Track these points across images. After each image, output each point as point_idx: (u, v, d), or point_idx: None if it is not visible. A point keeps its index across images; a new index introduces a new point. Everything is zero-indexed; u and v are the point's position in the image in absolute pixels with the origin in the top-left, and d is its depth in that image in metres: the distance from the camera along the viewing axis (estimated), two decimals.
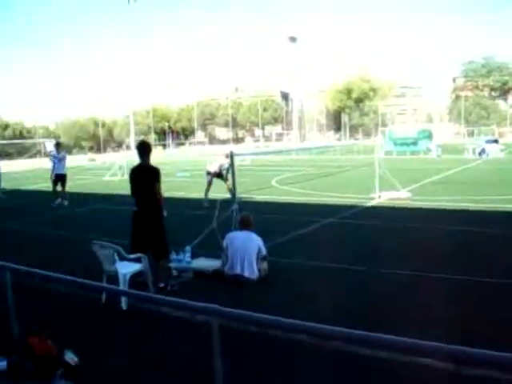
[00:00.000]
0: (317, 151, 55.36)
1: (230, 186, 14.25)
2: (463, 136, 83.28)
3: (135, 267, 7.98)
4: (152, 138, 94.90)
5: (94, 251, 8.08)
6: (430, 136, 52.12)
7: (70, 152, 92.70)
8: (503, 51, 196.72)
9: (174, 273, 9.15)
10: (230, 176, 15.17)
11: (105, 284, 7.46)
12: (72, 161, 54.92)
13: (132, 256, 8.06)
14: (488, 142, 48.64)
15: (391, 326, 6.25)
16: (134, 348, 6.38)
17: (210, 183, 17.98)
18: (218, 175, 17.93)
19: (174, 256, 9.44)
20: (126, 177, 9.52)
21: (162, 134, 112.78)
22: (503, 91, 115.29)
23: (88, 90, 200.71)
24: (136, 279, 7.97)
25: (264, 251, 8.89)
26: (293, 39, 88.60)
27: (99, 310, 7.66)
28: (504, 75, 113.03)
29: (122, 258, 7.90)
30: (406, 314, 7.08)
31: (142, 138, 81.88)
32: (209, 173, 18.12)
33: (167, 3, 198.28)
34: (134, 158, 9.49)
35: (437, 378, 5.06)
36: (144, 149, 8.79)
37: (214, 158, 19.40)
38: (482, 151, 44.52)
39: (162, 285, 8.41)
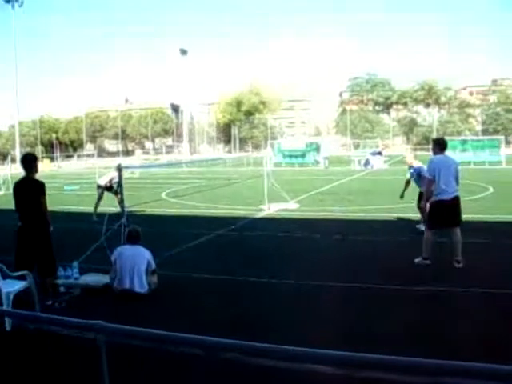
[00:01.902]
0: (207, 164, 55.52)
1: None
2: (349, 148, 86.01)
3: (20, 285, 7.72)
4: (39, 150, 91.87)
5: None
6: (317, 148, 53.67)
7: None
8: (384, 68, 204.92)
9: (62, 289, 8.94)
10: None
11: None
12: None
13: (16, 273, 7.80)
14: (372, 153, 50.63)
15: (276, 334, 6.37)
16: (20, 370, 6.17)
17: (100, 197, 17.63)
18: (109, 189, 17.60)
19: (61, 272, 9.21)
20: (11, 191, 9.19)
21: (49, 146, 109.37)
22: (386, 106, 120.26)
23: None
24: (21, 298, 7.71)
25: (153, 265, 8.83)
26: (183, 51, 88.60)
27: None
28: (387, 90, 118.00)
29: (5, 276, 7.63)
30: (292, 321, 7.25)
31: (28, 150, 79.30)
32: (99, 186, 17.78)
33: (55, 10, 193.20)
34: (19, 171, 9.20)
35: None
36: (28, 161, 8.52)
37: (105, 171, 19.10)
38: (367, 162, 46.24)
39: (49, 302, 8.19)
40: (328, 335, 6.36)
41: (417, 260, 10.09)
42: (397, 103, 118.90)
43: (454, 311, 7.57)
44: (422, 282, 8.97)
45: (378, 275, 9.54)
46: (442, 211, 9.80)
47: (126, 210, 11.20)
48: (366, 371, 2.64)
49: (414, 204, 13.96)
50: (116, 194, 16.98)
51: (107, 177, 17.77)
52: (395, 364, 2.56)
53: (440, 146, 10.29)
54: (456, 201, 9.89)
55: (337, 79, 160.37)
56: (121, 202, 12.31)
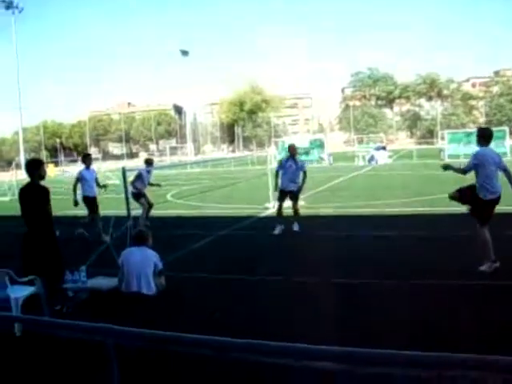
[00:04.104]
0: (211, 164, 55.56)
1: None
2: (353, 144, 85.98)
3: (28, 290, 7.73)
4: (43, 156, 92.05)
5: None
6: (321, 145, 53.73)
7: None
8: (386, 62, 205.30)
9: (70, 294, 8.95)
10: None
11: None
12: None
13: (25, 279, 7.81)
14: (377, 149, 50.73)
15: (284, 333, 6.39)
16: (31, 375, 6.18)
17: (148, 202, 16.24)
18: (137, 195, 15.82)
19: (68, 276, 9.21)
20: (17, 197, 9.17)
21: (53, 151, 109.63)
22: (389, 100, 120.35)
23: None
24: (30, 303, 7.71)
25: (160, 266, 8.83)
26: (184, 52, 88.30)
27: None
28: (389, 85, 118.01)
29: (14, 282, 7.64)
30: (294, 321, 7.23)
31: (32, 155, 79.51)
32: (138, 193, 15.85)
33: (54, 16, 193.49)
34: (24, 177, 9.20)
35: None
36: (32, 167, 8.52)
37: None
38: (372, 158, 46.26)
39: (57, 307, 8.20)
40: (336, 332, 6.37)
41: (482, 268, 8.79)
42: (399, 97, 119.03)
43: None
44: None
45: (378, 271, 9.54)
46: (492, 209, 8.91)
47: (131, 212, 11.20)
48: (368, 367, 2.65)
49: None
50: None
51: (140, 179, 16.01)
52: (396, 358, 2.57)
53: (484, 137, 8.97)
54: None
55: (339, 75, 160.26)
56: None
